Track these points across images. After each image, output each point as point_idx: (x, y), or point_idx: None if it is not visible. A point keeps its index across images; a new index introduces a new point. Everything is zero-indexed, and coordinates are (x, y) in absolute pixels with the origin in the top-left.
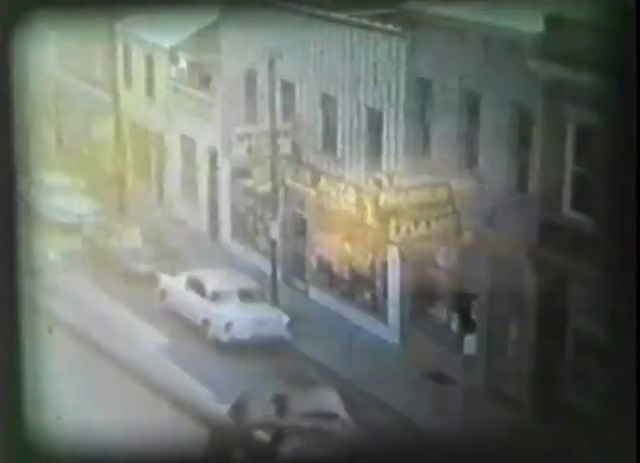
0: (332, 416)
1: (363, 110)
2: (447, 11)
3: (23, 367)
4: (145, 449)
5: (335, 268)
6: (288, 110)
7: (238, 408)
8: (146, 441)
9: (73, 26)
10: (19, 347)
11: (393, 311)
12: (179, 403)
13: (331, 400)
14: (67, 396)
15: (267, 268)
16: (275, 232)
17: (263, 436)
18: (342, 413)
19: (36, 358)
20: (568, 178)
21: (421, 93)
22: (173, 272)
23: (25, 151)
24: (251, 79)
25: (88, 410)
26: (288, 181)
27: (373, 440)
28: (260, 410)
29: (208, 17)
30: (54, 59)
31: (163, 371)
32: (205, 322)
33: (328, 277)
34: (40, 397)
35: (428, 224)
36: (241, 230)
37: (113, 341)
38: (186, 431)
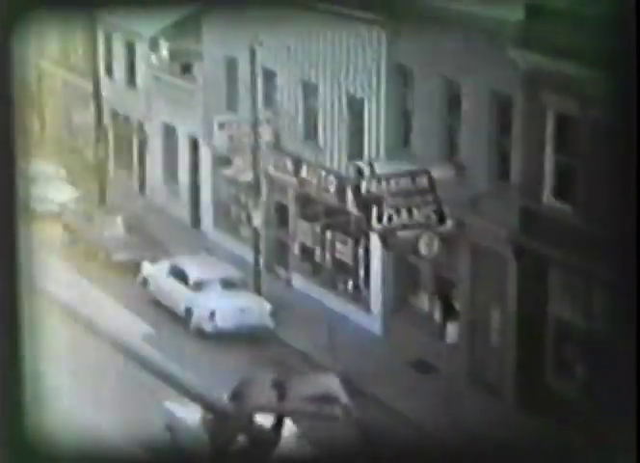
0: (333, 400)
1: (344, 98)
2: None
3: (23, 367)
4: (145, 449)
5: (318, 257)
6: (269, 98)
7: (238, 394)
8: (147, 441)
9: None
10: (19, 347)
11: (375, 299)
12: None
13: (331, 385)
14: (66, 394)
15: (249, 257)
16: (257, 221)
17: (265, 421)
18: (343, 397)
19: (35, 356)
20: (549, 167)
21: (402, 81)
22: (154, 260)
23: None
24: (232, 67)
25: (87, 409)
26: (270, 169)
27: (356, 429)
28: (261, 395)
29: (190, 5)
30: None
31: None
32: (188, 311)
33: (310, 265)
34: (40, 397)
35: (409, 212)
36: (223, 218)
37: (97, 329)
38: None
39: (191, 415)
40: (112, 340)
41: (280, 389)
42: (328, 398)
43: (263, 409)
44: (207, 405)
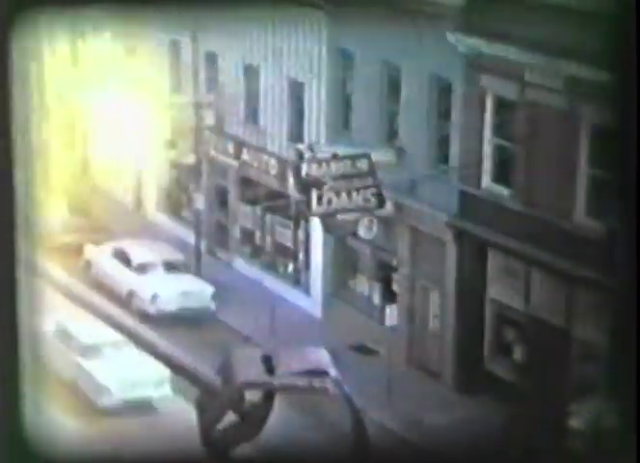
0: (322, 373)
1: (286, 81)
2: None
3: (23, 366)
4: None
5: (258, 239)
6: (212, 81)
7: (226, 370)
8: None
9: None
10: (19, 347)
11: (315, 282)
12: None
13: (320, 358)
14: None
15: (191, 239)
16: (199, 204)
17: (254, 396)
18: (332, 370)
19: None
20: (488, 151)
21: (343, 64)
22: (98, 243)
23: None
24: (175, 50)
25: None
26: (212, 152)
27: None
28: (250, 371)
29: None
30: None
31: None
32: (130, 294)
33: (251, 248)
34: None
35: (349, 195)
36: (165, 201)
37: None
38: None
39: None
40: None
41: (269, 364)
42: (317, 372)
43: (253, 384)
44: (195, 380)
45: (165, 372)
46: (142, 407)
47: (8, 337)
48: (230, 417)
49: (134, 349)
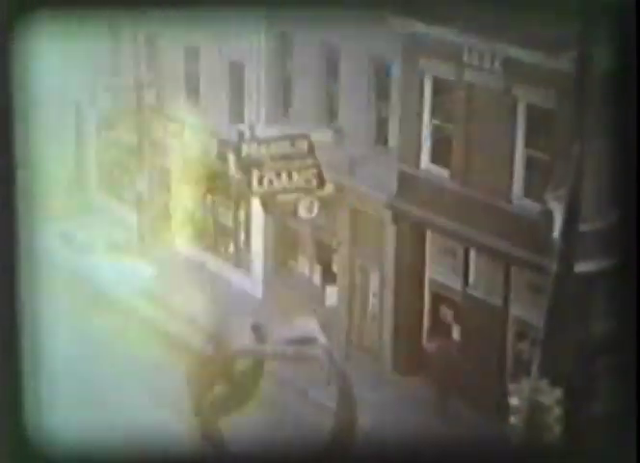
0: (312, 341)
1: (226, 62)
2: None
3: (23, 366)
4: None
5: (199, 220)
6: (152, 62)
7: (216, 337)
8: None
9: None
10: (19, 346)
11: (256, 263)
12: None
13: (310, 326)
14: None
15: (133, 220)
16: (141, 185)
17: (244, 365)
18: (322, 338)
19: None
20: (426, 132)
21: (282, 46)
22: (40, 223)
23: None
24: (115, 31)
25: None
26: (153, 133)
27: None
28: (241, 339)
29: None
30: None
31: None
32: (73, 274)
33: (192, 229)
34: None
35: (289, 175)
36: (107, 181)
37: None
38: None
39: None
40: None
41: (259, 332)
42: (307, 340)
43: (244, 352)
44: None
45: None
46: None
47: (8, 337)
48: (221, 386)
49: None
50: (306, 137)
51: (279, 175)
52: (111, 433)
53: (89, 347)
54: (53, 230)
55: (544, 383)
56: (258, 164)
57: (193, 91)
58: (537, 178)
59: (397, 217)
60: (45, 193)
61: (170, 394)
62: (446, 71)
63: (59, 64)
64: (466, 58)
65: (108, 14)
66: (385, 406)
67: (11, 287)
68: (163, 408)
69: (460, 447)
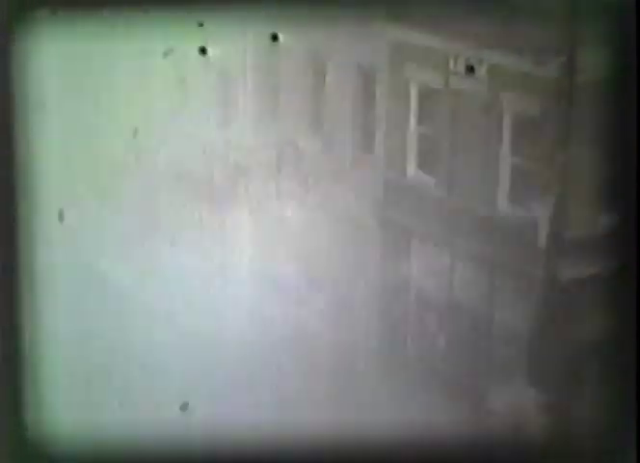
0: None
1: (213, 67)
2: None
3: (23, 366)
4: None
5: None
6: None
7: None
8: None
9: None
10: (19, 345)
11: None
12: None
13: None
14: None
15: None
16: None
17: None
18: None
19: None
20: (413, 139)
21: (270, 53)
22: (40, 223)
23: None
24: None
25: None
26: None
27: None
28: None
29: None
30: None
31: None
32: (74, 274)
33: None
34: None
35: (276, 183)
36: (107, 181)
37: None
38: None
39: None
40: None
41: None
42: None
43: None
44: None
45: None
46: None
47: (8, 337)
48: None
49: None
50: (292, 144)
51: (265, 182)
52: (111, 433)
53: (89, 347)
54: (53, 229)
55: (529, 387)
56: (245, 171)
57: (180, 96)
58: (523, 186)
59: (383, 224)
60: (45, 193)
61: (170, 393)
62: (432, 79)
63: (59, 64)
64: (452, 65)
65: (108, 15)
66: (373, 406)
67: (11, 288)
68: (163, 408)
69: (445, 449)
